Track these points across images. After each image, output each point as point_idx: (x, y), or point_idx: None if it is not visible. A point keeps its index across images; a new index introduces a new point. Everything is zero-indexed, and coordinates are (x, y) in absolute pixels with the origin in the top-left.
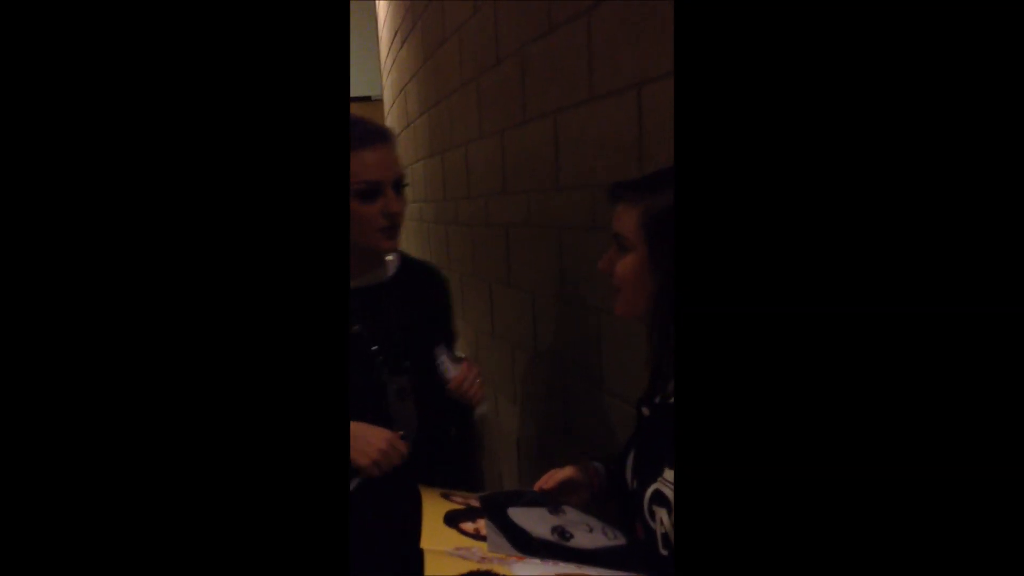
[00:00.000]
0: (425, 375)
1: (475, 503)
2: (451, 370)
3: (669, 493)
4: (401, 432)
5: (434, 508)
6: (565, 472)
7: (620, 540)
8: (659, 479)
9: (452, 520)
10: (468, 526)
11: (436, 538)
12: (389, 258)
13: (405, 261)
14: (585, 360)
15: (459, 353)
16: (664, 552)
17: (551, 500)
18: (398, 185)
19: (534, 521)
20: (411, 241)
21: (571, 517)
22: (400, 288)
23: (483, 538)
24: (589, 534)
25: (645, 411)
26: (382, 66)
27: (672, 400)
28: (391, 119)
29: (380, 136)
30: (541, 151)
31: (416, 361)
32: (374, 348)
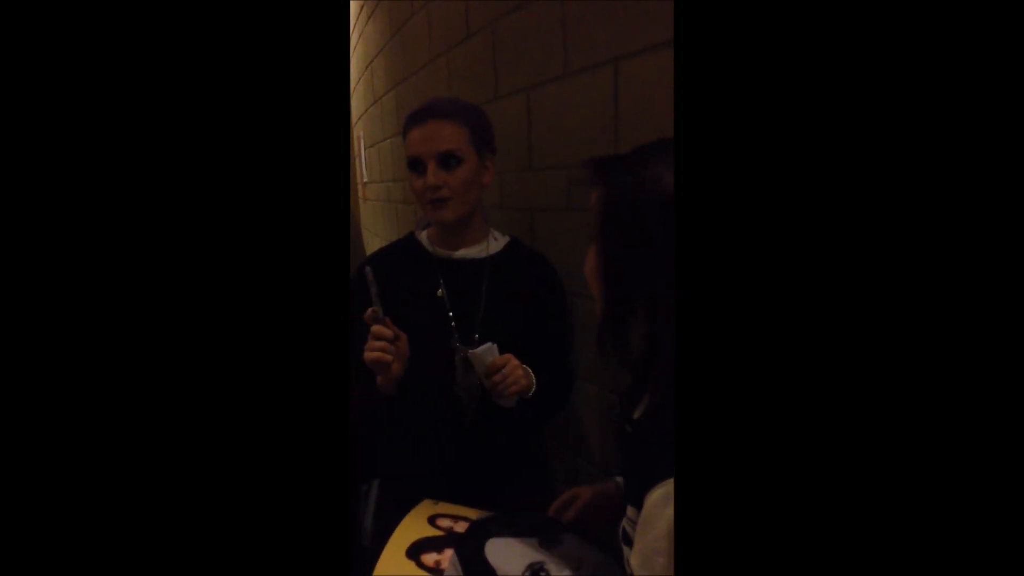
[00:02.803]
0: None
1: (460, 529)
2: (482, 361)
3: (631, 531)
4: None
5: (407, 534)
6: (583, 499)
7: None
8: (624, 517)
9: (415, 551)
10: (430, 558)
11: (390, 569)
12: (498, 238)
13: (514, 245)
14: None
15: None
16: None
17: (561, 527)
18: (446, 159)
19: (511, 556)
20: (380, 222)
21: (562, 551)
22: (497, 268)
23: (440, 572)
24: (573, 573)
25: (628, 428)
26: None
27: (645, 419)
28: (357, 96)
29: (433, 113)
30: (514, 130)
31: (486, 337)
32: (451, 314)
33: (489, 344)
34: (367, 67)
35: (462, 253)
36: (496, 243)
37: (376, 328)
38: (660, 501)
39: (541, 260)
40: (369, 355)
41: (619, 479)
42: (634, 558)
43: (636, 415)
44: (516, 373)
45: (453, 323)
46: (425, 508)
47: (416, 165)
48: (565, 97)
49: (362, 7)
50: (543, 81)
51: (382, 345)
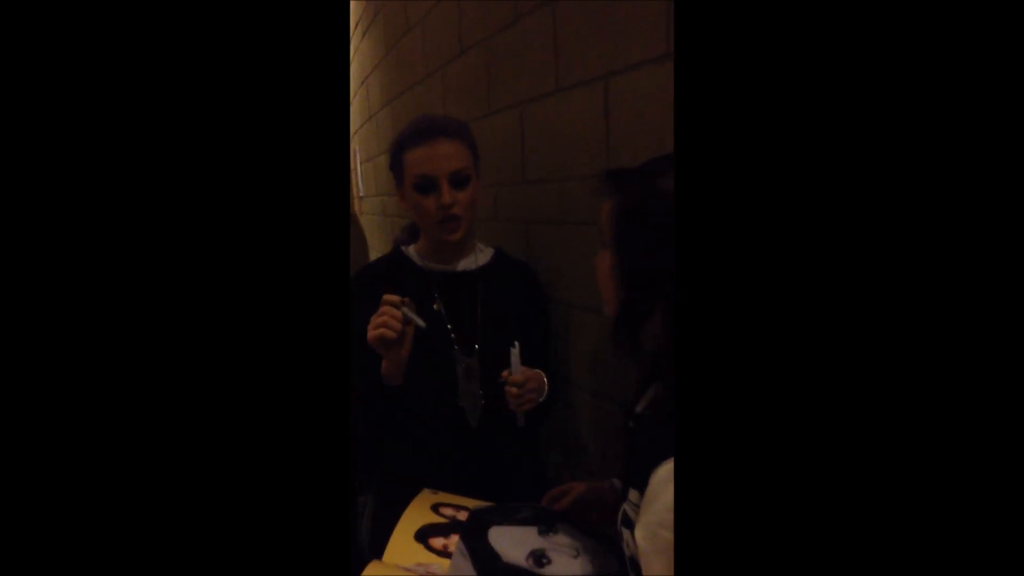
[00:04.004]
0: (494, 361)
1: (463, 518)
2: (514, 368)
3: (633, 515)
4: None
5: (413, 520)
6: (577, 491)
7: (606, 568)
8: (626, 500)
9: (423, 535)
10: (437, 542)
11: (400, 553)
12: (483, 249)
13: (499, 256)
14: (554, 356)
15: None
16: None
17: (558, 517)
18: (458, 178)
19: (514, 543)
20: (376, 235)
21: (560, 539)
22: (487, 279)
23: (449, 555)
24: (572, 560)
25: (630, 423)
26: None
27: (649, 411)
28: (352, 112)
29: (440, 131)
30: (508, 144)
31: (486, 346)
32: (449, 327)
33: (515, 350)
34: (362, 83)
35: (454, 266)
36: (483, 254)
37: (384, 304)
38: (666, 477)
39: (526, 268)
40: (373, 332)
41: (615, 480)
42: (639, 531)
43: (639, 409)
44: (532, 394)
45: (452, 335)
46: (426, 498)
47: (428, 185)
48: (557, 112)
49: (357, 23)
50: (536, 97)
51: (385, 320)
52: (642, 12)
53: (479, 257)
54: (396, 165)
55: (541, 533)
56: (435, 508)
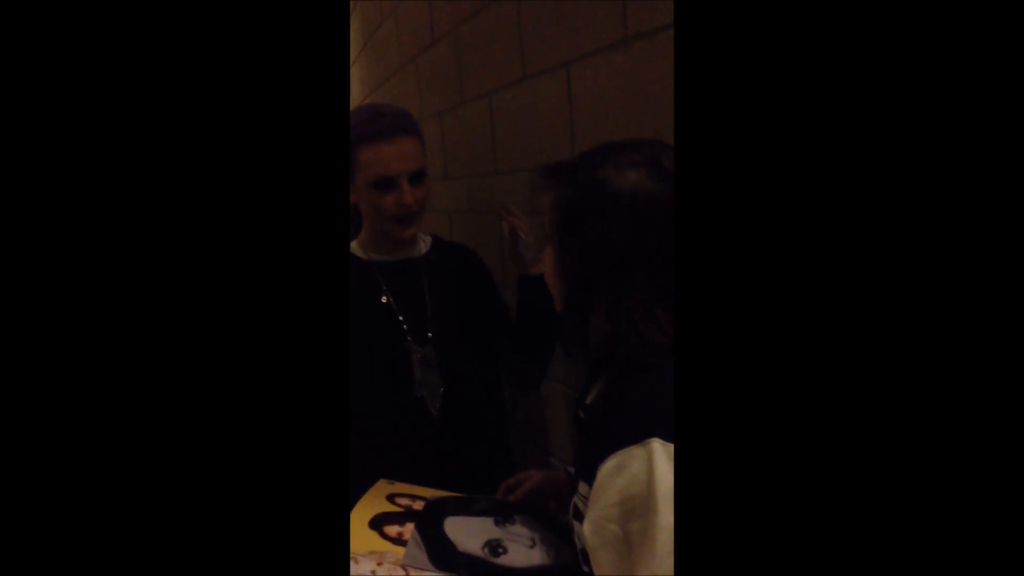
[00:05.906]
0: (450, 347)
1: (419, 507)
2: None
3: (583, 507)
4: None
5: (367, 508)
6: (532, 481)
7: (562, 559)
8: (576, 494)
9: (377, 523)
10: (392, 529)
11: (353, 541)
12: (424, 238)
13: (437, 242)
14: None
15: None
16: (585, 568)
17: (515, 508)
18: (416, 177)
19: (469, 533)
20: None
21: (517, 530)
22: (431, 266)
23: (404, 543)
24: (527, 550)
25: (581, 414)
26: None
27: (597, 404)
28: None
29: (400, 129)
30: (479, 134)
31: (439, 333)
32: (401, 319)
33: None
34: None
35: (398, 256)
36: (424, 242)
37: None
38: (612, 471)
39: (467, 250)
40: None
41: (571, 468)
42: (586, 525)
43: (589, 400)
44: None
45: (405, 326)
46: (382, 488)
47: (388, 184)
48: (524, 100)
49: None
50: (504, 85)
51: None
52: None
53: (422, 246)
54: (368, 164)
55: (498, 524)
56: (391, 498)
